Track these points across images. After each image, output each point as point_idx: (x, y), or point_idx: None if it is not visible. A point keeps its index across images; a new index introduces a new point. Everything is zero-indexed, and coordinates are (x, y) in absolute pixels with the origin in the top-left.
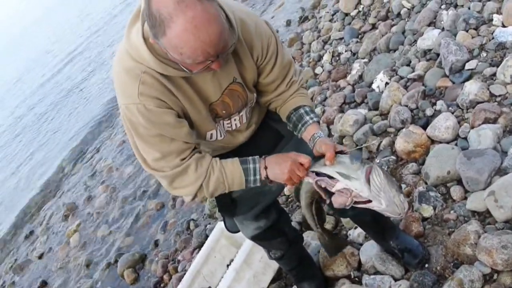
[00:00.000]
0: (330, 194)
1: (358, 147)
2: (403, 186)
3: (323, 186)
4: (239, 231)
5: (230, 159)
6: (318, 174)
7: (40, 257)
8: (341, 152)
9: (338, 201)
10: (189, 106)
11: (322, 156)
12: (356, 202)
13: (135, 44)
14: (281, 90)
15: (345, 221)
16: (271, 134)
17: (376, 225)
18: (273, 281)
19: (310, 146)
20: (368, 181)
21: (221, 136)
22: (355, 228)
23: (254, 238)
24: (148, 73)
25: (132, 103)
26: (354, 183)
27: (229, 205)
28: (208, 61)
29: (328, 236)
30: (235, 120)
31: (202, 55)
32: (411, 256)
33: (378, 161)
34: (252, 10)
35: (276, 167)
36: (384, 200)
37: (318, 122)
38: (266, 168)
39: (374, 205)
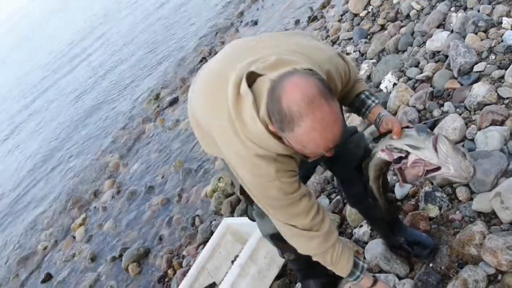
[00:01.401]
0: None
1: (423, 123)
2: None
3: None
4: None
5: (348, 253)
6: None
7: (45, 249)
8: (407, 127)
9: (411, 173)
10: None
11: (389, 132)
12: (427, 172)
13: (257, 133)
14: (348, 86)
15: (350, 219)
16: None
17: (384, 220)
18: (277, 277)
19: (376, 125)
20: (435, 149)
21: None
22: (360, 226)
23: (272, 237)
24: (280, 154)
25: (267, 181)
26: (423, 152)
27: None
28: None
29: (388, 203)
30: None
31: (324, 149)
32: (421, 248)
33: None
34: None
35: None
36: (452, 165)
37: (379, 103)
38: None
39: (444, 171)
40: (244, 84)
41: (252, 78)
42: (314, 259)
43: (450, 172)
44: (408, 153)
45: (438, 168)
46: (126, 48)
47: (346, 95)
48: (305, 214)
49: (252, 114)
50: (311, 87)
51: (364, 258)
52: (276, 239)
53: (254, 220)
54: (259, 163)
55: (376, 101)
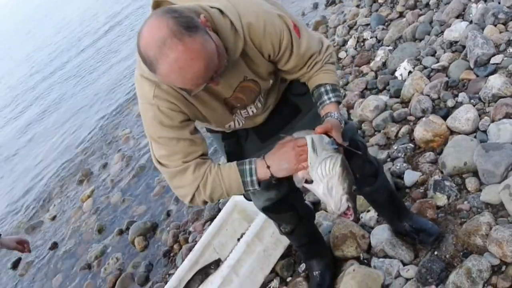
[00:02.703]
0: None
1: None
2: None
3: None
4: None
5: (229, 163)
6: None
7: (53, 219)
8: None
9: (297, 175)
10: (202, 107)
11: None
12: (306, 181)
13: None
14: (303, 72)
15: (358, 204)
16: (288, 108)
17: (391, 205)
18: (282, 257)
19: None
20: (321, 164)
21: (239, 124)
22: (367, 211)
23: (265, 210)
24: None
25: (147, 102)
26: (312, 158)
27: None
28: (202, 85)
29: None
30: (250, 108)
31: (193, 86)
32: (426, 235)
33: (396, 147)
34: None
35: (281, 161)
36: (323, 188)
37: (338, 102)
38: (268, 167)
39: (313, 187)
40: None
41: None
42: (207, 198)
43: (317, 191)
44: None
45: (311, 181)
46: None
47: (308, 80)
48: (181, 156)
49: None
50: (161, 28)
51: (370, 243)
52: (269, 211)
53: (249, 200)
54: (143, 84)
55: (333, 99)
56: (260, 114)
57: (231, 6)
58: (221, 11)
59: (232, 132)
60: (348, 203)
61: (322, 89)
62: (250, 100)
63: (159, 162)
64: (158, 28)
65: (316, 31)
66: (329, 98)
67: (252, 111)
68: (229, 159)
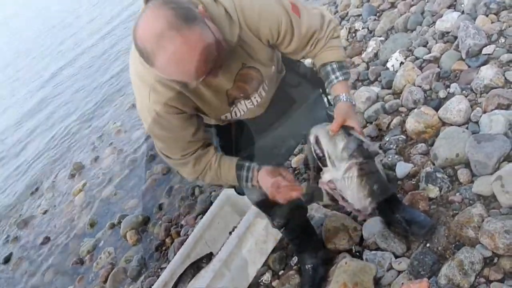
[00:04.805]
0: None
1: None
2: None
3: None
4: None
5: (229, 160)
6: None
7: (45, 213)
8: (352, 129)
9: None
10: (200, 101)
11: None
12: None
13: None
14: (306, 52)
15: None
16: (283, 100)
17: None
18: (274, 250)
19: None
20: (344, 176)
21: (236, 115)
22: None
23: (259, 204)
24: (160, 82)
25: (145, 106)
26: (332, 172)
27: None
28: (201, 78)
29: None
30: (254, 97)
31: (191, 79)
32: (418, 227)
33: (387, 139)
34: None
35: (266, 187)
36: (350, 198)
37: (346, 79)
38: (258, 181)
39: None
40: None
41: None
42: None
43: (350, 203)
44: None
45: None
46: None
47: (314, 58)
48: (180, 150)
49: None
50: (159, 20)
51: (362, 235)
52: (263, 205)
53: (241, 194)
54: (139, 87)
55: (341, 77)
56: (263, 104)
57: None
58: None
59: (226, 125)
60: (371, 206)
61: (329, 68)
62: (253, 89)
63: (161, 152)
64: (155, 20)
65: None
66: (336, 77)
67: (257, 101)
68: (224, 153)
